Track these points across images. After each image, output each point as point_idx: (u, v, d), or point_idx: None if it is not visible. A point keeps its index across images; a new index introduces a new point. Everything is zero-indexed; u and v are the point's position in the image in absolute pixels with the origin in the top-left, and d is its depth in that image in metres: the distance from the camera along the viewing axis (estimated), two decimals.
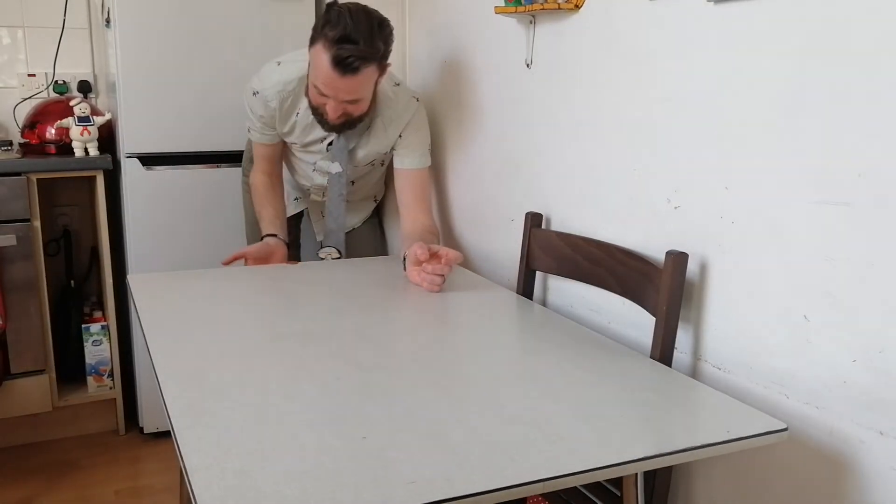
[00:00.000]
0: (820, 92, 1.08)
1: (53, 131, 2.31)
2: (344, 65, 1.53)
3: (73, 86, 2.58)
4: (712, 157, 1.25)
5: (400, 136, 1.84)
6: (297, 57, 1.77)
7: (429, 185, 1.93)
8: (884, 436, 1.03)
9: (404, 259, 1.63)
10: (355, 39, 1.52)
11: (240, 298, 1.45)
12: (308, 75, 1.66)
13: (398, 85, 1.82)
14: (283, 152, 1.94)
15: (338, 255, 1.92)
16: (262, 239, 1.84)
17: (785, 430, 0.98)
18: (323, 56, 1.54)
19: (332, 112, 1.63)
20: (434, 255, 1.54)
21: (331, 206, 1.89)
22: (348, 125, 1.71)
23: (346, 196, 1.92)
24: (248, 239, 2.15)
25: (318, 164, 1.92)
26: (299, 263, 1.81)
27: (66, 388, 2.41)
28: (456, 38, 1.97)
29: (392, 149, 1.87)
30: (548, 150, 1.65)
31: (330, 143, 1.85)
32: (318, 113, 1.69)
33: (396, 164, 1.86)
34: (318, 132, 1.83)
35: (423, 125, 1.87)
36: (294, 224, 2.14)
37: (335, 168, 1.86)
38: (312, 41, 1.58)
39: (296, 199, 2.13)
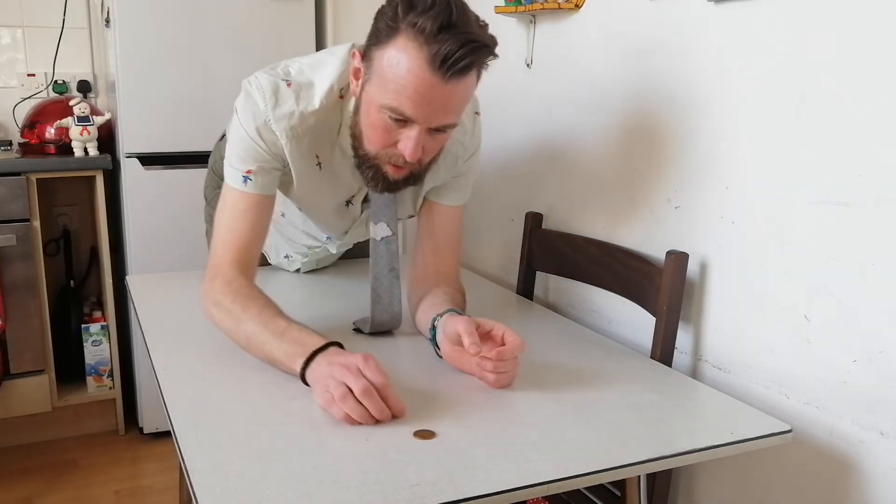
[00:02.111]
0: (820, 92, 1.08)
1: (53, 131, 2.31)
2: (450, 64, 1.00)
3: (73, 86, 2.57)
4: (712, 156, 1.25)
5: (455, 176, 1.33)
6: (312, 69, 1.20)
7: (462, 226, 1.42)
8: (884, 436, 1.03)
9: (432, 329, 1.17)
10: (461, 27, 1.01)
11: None
12: (361, 95, 1.11)
13: None
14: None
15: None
16: (304, 370, 1.03)
17: (789, 431, 0.98)
18: (413, 55, 1.01)
19: (411, 152, 1.07)
20: (486, 336, 1.08)
21: (378, 288, 1.26)
22: (413, 179, 1.16)
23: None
24: None
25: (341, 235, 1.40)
26: (298, 272, 1.60)
27: (65, 388, 2.41)
28: None
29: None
30: (548, 150, 1.65)
31: (361, 201, 1.34)
32: (371, 165, 1.13)
33: (434, 199, 1.34)
34: (341, 190, 1.31)
35: (479, 148, 1.36)
36: None
37: (381, 231, 1.27)
38: (382, 38, 1.04)
39: (286, 256, 1.59)
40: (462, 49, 1.00)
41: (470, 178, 1.36)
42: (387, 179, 1.13)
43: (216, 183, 1.57)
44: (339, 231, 1.42)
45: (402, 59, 1.01)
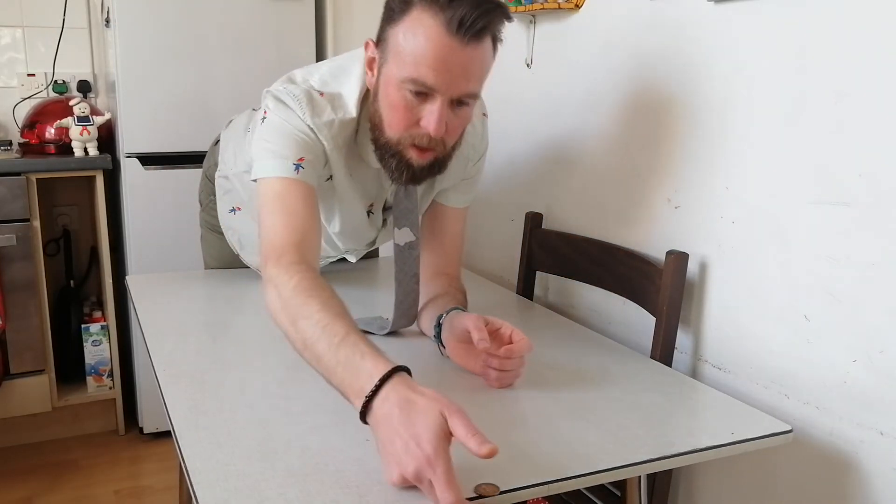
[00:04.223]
0: (820, 91, 1.08)
1: (53, 131, 2.31)
2: (468, 26, 0.99)
3: (73, 85, 2.58)
4: (712, 156, 1.26)
5: (464, 178, 1.33)
6: (335, 78, 1.17)
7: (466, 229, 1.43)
8: (884, 436, 1.03)
9: (437, 326, 1.17)
10: None
11: (239, 299, 1.45)
12: (378, 81, 1.09)
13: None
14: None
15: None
16: (365, 413, 0.85)
17: (790, 431, 0.98)
18: (428, 24, 1.00)
19: (436, 126, 1.04)
20: (493, 334, 1.07)
21: (401, 294, 1.24)
22: (438, 166, 1.13)
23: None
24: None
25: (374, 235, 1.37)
26: None
27: (65, 388, 2.41)
28: None
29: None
30: (547, 150, 1.65)
31: (381, 209, 1.32)
32: (394, 153, 1.10)
33: (440, 200, 1.34)
34: (362, 198, 1.27)
35: (487, 149, 1.36)
36: None
37: (405, 237, 1.24)
38: (395, 16, 1.05)
39: None
40: (476, 11, 0.99)
41: (477, 180, 1.35)
42: (411, 168, 1.10)
43: (210, 189, 1.56)
44: (365, 242, 1.38)
45: (419, 29, 1.01)
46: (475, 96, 1.07)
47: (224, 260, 1.61)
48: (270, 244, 1.07)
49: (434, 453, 0.76)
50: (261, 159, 1.13)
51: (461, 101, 1.06)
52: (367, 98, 1.14)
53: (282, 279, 1.01)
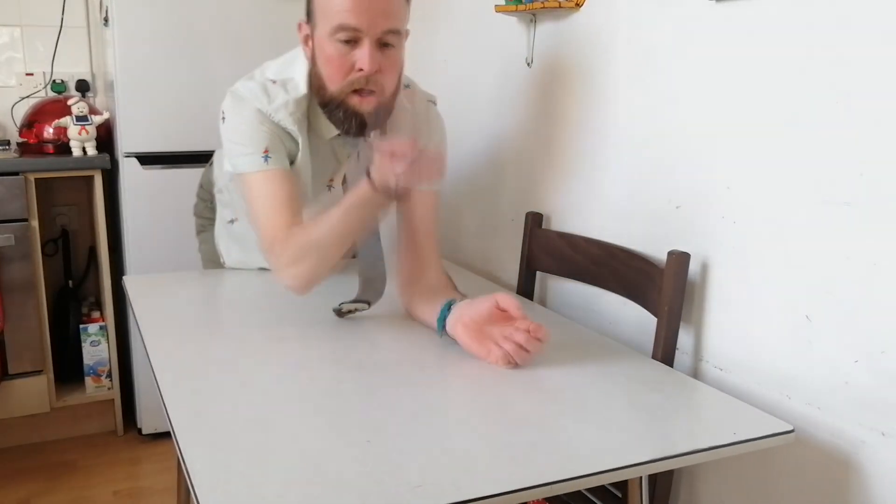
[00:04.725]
0: (821, 91, 1.08)
1: (51, 130, 2.31)
2: None
3: (71, 85, 2.57)
4: (714, 156, 1.25)
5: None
6: (287, 67, 1.34)
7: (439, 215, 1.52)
8: (886, 436, 1.03)
9: (445, 309, 1.22)
10: None
11: (238, 300, 1.45)
12: (314, 50, 1.25)
13: (408, 87, 1.40)
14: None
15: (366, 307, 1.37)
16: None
17: (791, 431, 0.98)
18: None
19: (369, 63, 1.18)
20: (508, 318, 1.15)
21: (363, 250, 1.34)
22: (382, 111, 1.26)
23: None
24: None
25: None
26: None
27: (64, 388, 2.41)
28: (456, 36, 1.97)
29: None
30: (548, 149, 1.65)
31: (341, 181, 1.43)
32: (338, 104, 1.24)
33: None
34: (323, 172, 1.40)
35: (445, 135, 1.48)
36: None
37: None
38: None
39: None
40: None
41: None
42: (358, 114, 1.23)
43: (207, 200, 1.67)
44: None
45: None
46: (397, 32, 1.21)
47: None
48: (265, 235, 1.25)
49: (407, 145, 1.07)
50: (233, 157, 1.29)
51: (386, 43, 1.20)
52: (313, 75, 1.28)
53: (288, 252, 1.21)
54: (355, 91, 1.22)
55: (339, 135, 1.33)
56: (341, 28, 1.17)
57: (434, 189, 1.40)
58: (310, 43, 1.26)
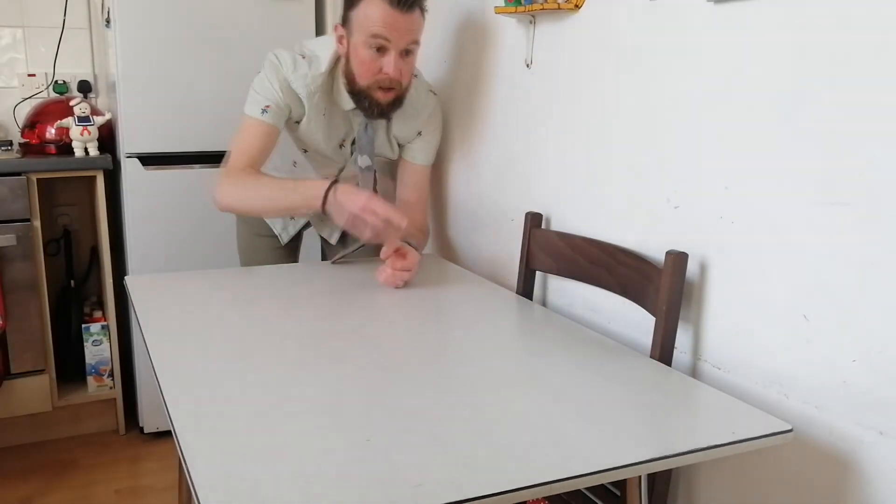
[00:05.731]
0: (820, 91, 1.08)
1: (53, 131, 2.31)
2: (403, 3, 1.52)
3: (73, 86, 2.58)
4: (712, 156, 1.26)
5: (420, 133, 1.79)
6: (319, 47, 1.66)
7: (429, 184, 1.92)
8: (884, 435, 1.03)
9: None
10: None
11: (239, 299, 1.45)
12: (349, 50, 1.58)
13: (415, 76, 1.72)
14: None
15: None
16: (324, 206, 1.48)
17: (790, 431, 0.98)
18: (378, 4, 1.51)
19: (394, 69, 1.54)
20: (398, 252, 1.56)
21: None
22: (397, 102, 1.62)
23: None
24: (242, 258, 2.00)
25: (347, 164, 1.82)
26: (299, 263, 1.77)
27: (66, 387, 2.42)
28: (456, 37, 1.97)
29: (399, 144, 1.82)
30: (548, 150, 1.66)
31: (350, 143, 1.76)
32: (365, 96, 1.60)
33: (406, 157, 1.82)
34: (338, 134, 1.74)
35: (441, 122, 1.85)
36: (291, 252, 2.00)
37: (364, 162, 1.75)
38: (354, 3, 1.55)
39: (287, 223, 1.96)
40: None
41: (434, 144, 1.84)
42: (380, 105, 1.61)
43: (248, 235, 1.99)
44: (337, 167, 1.83)
45: (372, 8, 1.52)
46: (416, 43, 1.59)
47: (256, 259, 1.97)
48: (231, 161, 1.60)
49: (368, 198, 1.42)
50: (247, 102, 1.64)
51: (407, 51, 1.57)
52: (339, 61, 1.64)
53: (233, 172, 1.58)
54: (380, 88, 1.58)
55: (354, 108, 1.66)
56: (376, 37, 1.53)
57: (429, 163, 1.84)
58: (344, 42, 1.59)
